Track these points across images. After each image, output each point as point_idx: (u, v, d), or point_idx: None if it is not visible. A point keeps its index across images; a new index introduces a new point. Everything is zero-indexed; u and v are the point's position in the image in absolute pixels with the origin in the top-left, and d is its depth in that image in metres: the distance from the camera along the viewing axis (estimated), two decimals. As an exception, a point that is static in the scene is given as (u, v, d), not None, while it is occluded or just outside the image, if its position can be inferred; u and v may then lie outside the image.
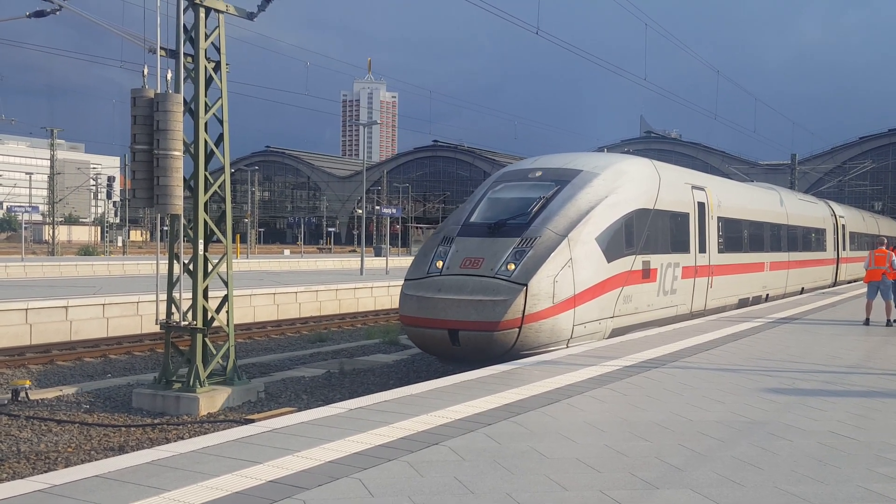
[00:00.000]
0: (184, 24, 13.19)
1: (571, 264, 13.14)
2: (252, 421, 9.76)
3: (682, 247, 17.49)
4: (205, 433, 10.11)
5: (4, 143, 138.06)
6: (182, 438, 9.03)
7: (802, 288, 28.85)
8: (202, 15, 13.34)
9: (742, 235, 21.84)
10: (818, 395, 9.04)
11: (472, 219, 14.69)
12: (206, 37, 13.23)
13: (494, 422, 7.36)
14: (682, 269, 17.31)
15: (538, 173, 15.55)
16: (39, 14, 15.77)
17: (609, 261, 14.12)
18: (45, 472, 7.04)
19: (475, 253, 13.45)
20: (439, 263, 13.60)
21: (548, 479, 5.66)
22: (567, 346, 13.07)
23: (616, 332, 14.54)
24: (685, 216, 17.79)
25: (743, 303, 21.95)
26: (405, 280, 14.02)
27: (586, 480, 5.67)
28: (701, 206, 18.70)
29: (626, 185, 15.47)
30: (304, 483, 5.41)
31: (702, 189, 19.17)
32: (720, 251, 19.80)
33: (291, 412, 9.26)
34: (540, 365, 10.72)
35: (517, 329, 12.42)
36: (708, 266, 18.88)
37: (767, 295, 24.43)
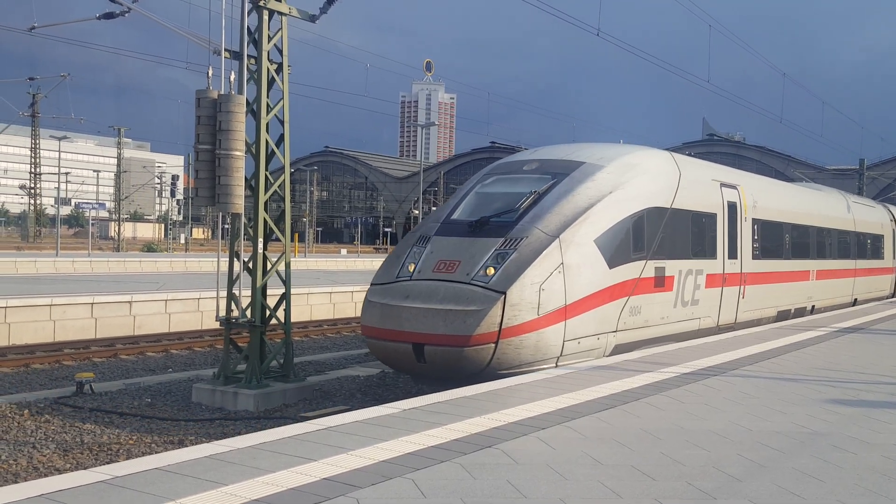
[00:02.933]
0: (248, 27, 13.40)
1: (563, 270, 11.37)
2: (307, 418, 9.85)
3: (708, 252, 15.53)
4: (261, 429, 10.25)
5: (73, 142, 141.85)
6: (239, 434, 9.16)
7: (855, 299, 26.49)
8: (265, 17, 13.54)
9: (782, 240, 19.63)
10: (883, 406, 8.80)
11: (454, 216, 12.89)
12: (269, 39, 13.43)
13: (548, 426, 7.32)
14: (707, 277, 15.28)
15: (534, 165, 13.74)
16: (109, 16, 16.13)
17: (611, 266, 12.27)
18: (107, 463, 7.21)
19: (451, 255, 11.71)
20: (411, 267, 11.93)
21: (602, 486, 5.61)
22: (556, 366, 11.27)
23: (620, 349, 12.62)
24: (711, 217, 15.77)
25: (783, 315, 19.80)
26: (371, 285, 12.32)
27: (641, 488, 5.60)
28: (732, 206, 16.64)
29: (635, 179, 13.51)
30: (357, 482, 5.44)
31: (733, 187, 17.05)
32: (755, 257, 17.74)
33: (346, 411, 9.33)
34: (596, 370, 10.63)
35: (493, 344, 10.69)
36: (739, 274, 16.83)
37: (813, 307, 22.19)
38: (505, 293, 10.79)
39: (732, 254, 16.46)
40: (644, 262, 13.05)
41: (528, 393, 8.83)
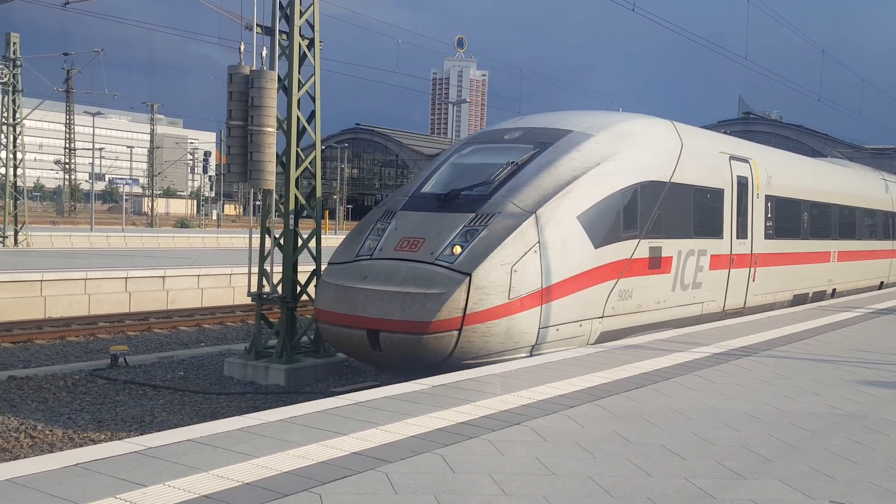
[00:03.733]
0: (279, 2, 13.41)
1: (539, 249, 10.11)
2: (337, 393, 9.93)
3: (713, 230, 14.02)
4: (291, 403, 10.36)
5: (106, 118, 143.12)
6: (270, 408, 9.27)
7: (882, 282, 24.84)
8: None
9: (800, 219, 17.94)
10: (919, 389, 8.69)
11: (424, 188, 11.65)
12: (301, 14, 13.42)
13: (577, 404, 7.31)
14: (711, 258, 13.86)
15: (516, 134, 12.40)
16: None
17: (597, 246, 10.97)
18: (141, 434, 7.30)
19: (416, 232, 10.49)
20: (373, 244, 10.72)
21: (631, 464, 5.61)
22: (531, 355, 10.11)
23: (608, 337, 11.39)
24: (718, 193, 14.26)
25: (800, 300, 18.29)
26: (328, 264, 11.15)
27: (671, 467, 5.59)
28: (742, 181, 15.11)
29: (628, 150, 12.06)
30: (386, 456, 5.49)
31: (745, 161, 15.44)
32: (768, 237, 16.17)
33: (375, 387, 9.38)
34: (627, 349, 10.59)
35: (455, 332, 9.51)
36: (749, 255, 15.30)
37: (834, 290, 20.53)
38: (470, 275, 9.59)
39: (742, 233, 15.05)
40: (637, 241, 11.76)
41: (557, 371, 8.83)
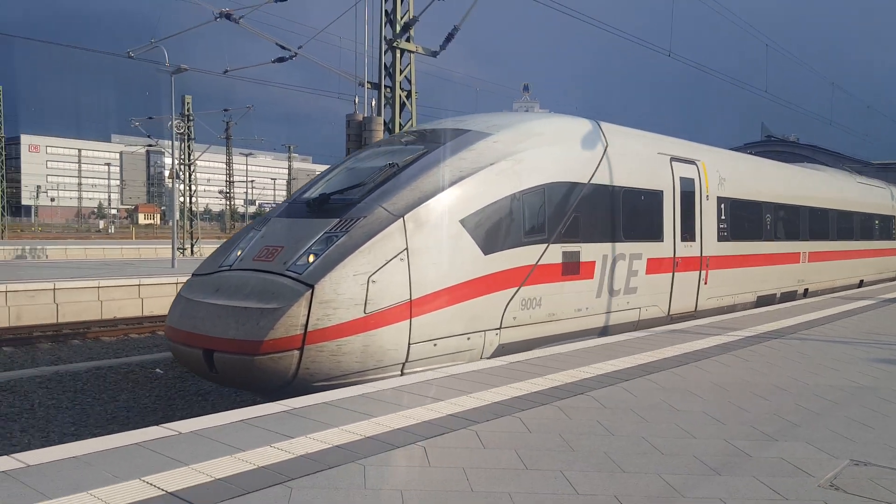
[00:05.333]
0: (384, 63, 13.60)
1: (408, 256, 7.55)
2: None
3: (649, 233, 11.21)
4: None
5: (256, 157, 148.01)
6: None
7: (861, 280, 21.23)
8: (398, 55, 13.72)
9: (761, 221, 14.81)
10: (927, 366, 8.17)
11: (306, 193, 9.10)
12: (401, 72, 13.58)
13: (631, 378, 7.13)
14: (649, 262, 11.06)
15: (414, 136, 9.85)
16: (280, 60, 16.66)
17: (489, 251, 8.29)
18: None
19: (278, 240, 8.02)
20: (238, 253, 8.21)
21: (678, 428, 5.43)
22: (402, 374, 7.51)
23: (510, 349, 8.61)
24: (655, 195, 11.38)
25: (766, 300, 15.13)
26: (192, 275, 8.54)
27: (712, 430, 5.39)
28: (687, 183, 12.22)
29: (533, 150, 9.25)
30: (475, 417, 5.45)
31: (691, 163, 12.48)
32: (722, 239, 13.20)
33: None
34: (670, 333, 10.28)
35: (295, 352, 6.90)
36: (699, 258, 12.42)
37: (806, 290, 17.20)
38: (313, 287, 7.04)
39: (688, 236, 12.16)
40: (544, 245, 9.03)
41: (611, 351, 8.64)
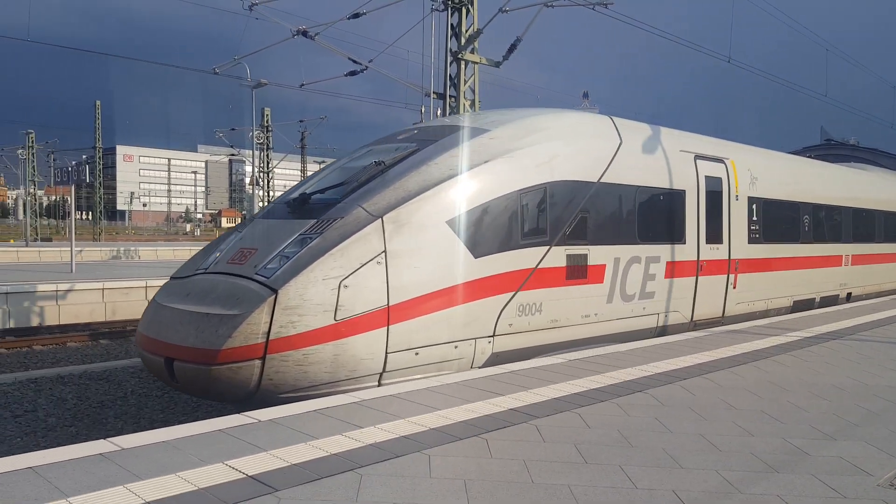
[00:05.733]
0: (449, 74, 13.65)
1: (386, 259, 6.68)
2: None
3: (669, 235, 10.00)
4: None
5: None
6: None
7: None
8: (462, 66, 13.75)
9: (798, 222, 13.40)
10: None
11: (294, 194, 8.21)
12: (465, 82, 13.60)
13: (689, 377, 6.95)
14: (667, 266, 9.88)
15: (411, 133, 8.90)
16: (352, 73, 16.93)
17: (479, 255, 7.37)
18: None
19: (254, 241, 7.31)
20: (217, 255, 7.49)
21: (735, 426, 5.26)
22: (380, 384, 6.67)
23: (505, 358, 7.69)
24: (676, 195, 10.18)
25: (803, 305, 13.68)
26: (170, 278, 7.69)
27: (770, 429, 5.20)
28: (713, 182, 11.01)
29: (533, 146, 8.21)
30: (536, 412, 5.41)
31: (718, 161, 11.25)
32: (753, 241, 11.90)
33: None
34: (728, 333, 9.97)
35: (257, 361, 6.08)
36: (727, 261, 11.21)
37: (849, 294, 15.70)
38: (277, 292, 6.23)
39: (714, 238, 10.94)
40: (546, 248, 8.07)
41: (670, 350, 8.43)
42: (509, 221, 7.71)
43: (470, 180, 7.49)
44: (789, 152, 18.20)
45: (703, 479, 4.14)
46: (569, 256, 8.36)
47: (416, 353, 6.86)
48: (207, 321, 6.24)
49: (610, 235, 8.96)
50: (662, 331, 9.80)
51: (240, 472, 4.02)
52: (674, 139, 10.65)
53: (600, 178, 8.91)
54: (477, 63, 14.16)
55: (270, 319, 6.08)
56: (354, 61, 16.20)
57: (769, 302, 12.56)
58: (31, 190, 53.57)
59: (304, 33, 16.03)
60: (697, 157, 10.81)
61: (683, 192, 10.34)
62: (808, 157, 21.07)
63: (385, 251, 6.69)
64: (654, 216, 9.79)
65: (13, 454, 4.23)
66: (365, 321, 6.49)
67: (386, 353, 6.61)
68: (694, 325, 10.50)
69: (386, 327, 6.59)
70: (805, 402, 6.06)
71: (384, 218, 6.84)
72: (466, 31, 14.18)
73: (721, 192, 11.17)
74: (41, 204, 72.67)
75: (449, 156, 7.70)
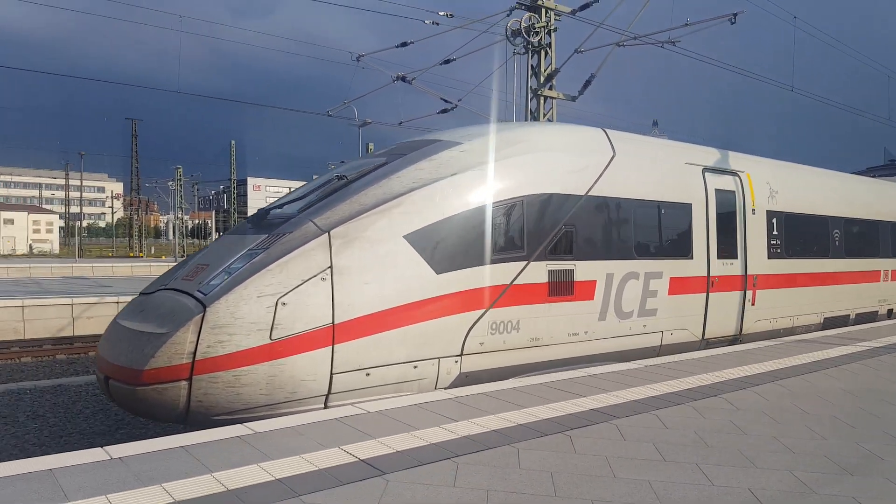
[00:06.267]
0: (530, 109, 13.61)
1: (332, 275, 5.77)
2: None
3: (672, 250, 8.68)
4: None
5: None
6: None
7: None
8: (542, 102, 13.68)
9: (827, 237, 11.64)
10: None
11: (267, 209, 7.13)
12: (544, 115, 13.50)
13: (762, 383, 6.56)
14: (672, 282, 8.53)
15: (392, 147, 7.87)
16: (444, 111, 17.19)
17: (442, 270, 6.32)
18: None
19: (208, 257, 6.51)
20: (181, 270, 6.60)
21: (809, 430, 4.92)
22: (326, 407, 5.72)
23: (479, 378, 6.58)
24: (680, 208, 8.84)
25: (836, 321, 11.77)
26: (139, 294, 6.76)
27: (843, 433, 4.83)
28: (725, 196, 9.53)
29: (508, 159, 7.13)
30: (616, 413, 5.24)
31: (731, 174, 9.78)
32: (774, 256, 10.31)
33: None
34: (797, 343, 9.35)
35: (183, 382, 5.24)
36: (742, 276, 9.63)
37: (890, 310, 13.49)
38: (205, 309, 5.40)
39: (727, 252, 9.49)
40: (522, 263, 6.93)
41: (741, 358, 8.00)
42: (478, 236, 6.62)
43: (433, 194, 6.49)
44: (853, 172, 16.56)
45: (779, 479, 3.89)
46: (551, 272, 7.15)
47: (368, 374, 5.85)
48: (138, 340, 5.49)
49: (601, 250, 7.75)
50: (669, 349, 8.48)
51: (353, 455, 4.10)
52: (679, 152, 9.32)
53: (588, 192, 7.69)
54: (555, 98, 14.08)
55: (197, 339, 5.24)
56: (445, 101, 16.45)
57: (795, 319, 10.83)
58: (179, 215, 57.18)
59: (403, 78, 16.43)
60: (706, 170, 9.42)
61: (689, 205, 8.97)
62: (873, 176, 19.09)
63: (331, 267, 5.78)
64: (655, 231, 8.51)
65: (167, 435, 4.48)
66: (306, 340, 5.56)
67: (331, 373, 5.65)
68: (706, 343, 9.09)
69: (331, 347, 5.64)
70: (877, 408, 5.59)
71: (332, 232, 5.93)
72: (545, 71, 14.15)
73: (734, 205, 9.72)
74: (187, 226, 77.55)
75: (414, 169, 6.70)
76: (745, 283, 9.70)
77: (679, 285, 8.70)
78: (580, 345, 7.44)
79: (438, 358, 6.29)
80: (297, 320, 5.52)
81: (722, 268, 9.39)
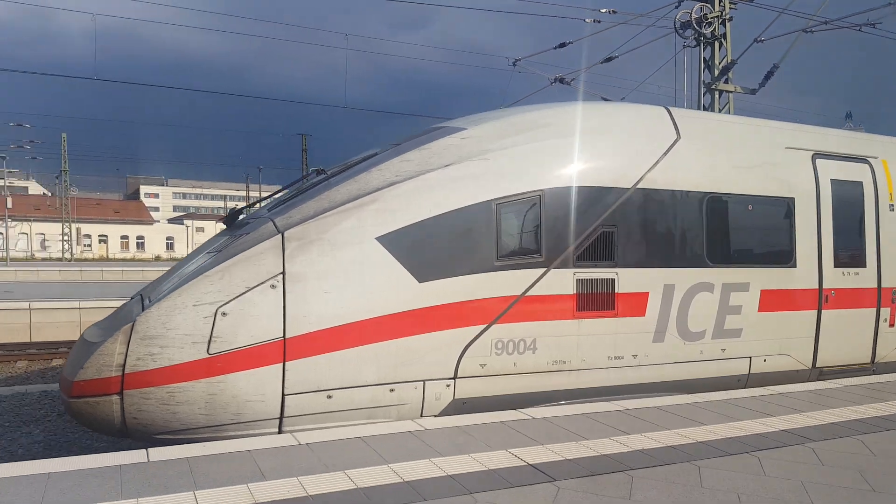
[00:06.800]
0: (703, 105, 12.80)
1: (284, 282, 4.99)
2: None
3: (764, 256, 6.88)
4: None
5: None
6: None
7: None
8: (716, 96, 12.81)
9: None
10: None
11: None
12: (720, 110, 12.62)
13: None
14: (764, 295, 6.75)
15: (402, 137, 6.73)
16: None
17: (427, 278, 5.33)
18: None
19: (185, 261, 6.10)
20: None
21: None
22: (280, 432, 4.98)
23: (481, 405, 5.52)
24: (777, 204, 6.99)
25: None
26: None
27: None
28: (847, 188, 7.53)
29: (524, 145, 5.92)
30: (810, 435, 4.70)
31: (858, 161, 7.70)
32: None
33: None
34: None
35: (115, 396, 4.70)
36: (875, 290, 7.58)
37: None
38: (135, 319, 4.84)
39: (851, 260, 7.49)
40: (540, 270, 5.73)
41: (972, 383, 6.80)
42: (475, 238, 5.54)
43: (418, 188, 5.48)
44: None
45: None
46: (582, 282, 5.87)
47: (330, 397, 5.03)
48: (80, 350, 5.09)
49: (656, 256, 6.23)
50: (762, 379, 6.80)
51: (521, 459, 4.10)
52: (776, 134, 7.37)
53: (638, 183, 6.18)
54: (731, 92, 13.11)
55: (126, 350, 4.73)
56: (606, 100, 16.01)
57: None
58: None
59: (561, 80, 16.28)
60: (818, 156, 7.44)
61: (790, 200, 7.09)
62: None
63: (283, 273, 5.00)
64: (737, 232, 6.77)
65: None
66: (249, 355, 4.85)
67: (283, 394, 4.90)
68: (819, 373, 7.23)
69: (281, 364, 4.90)
70: None
71: (286, 234, 5.13)
72: (720, 63, 13.22)
73: (861, 200, 7.69)
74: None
75: (399, 160, 5.70)
76: (878, 298, 7.63)
77: (775, 300, 6.87)
78: (627, 371, 6.05)
79: (423, 381, 5.31)
80: (240, 333, 4.81)
81: (841, 279, 7.43)
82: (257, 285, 4.89)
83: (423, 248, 5.33)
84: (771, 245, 7.01)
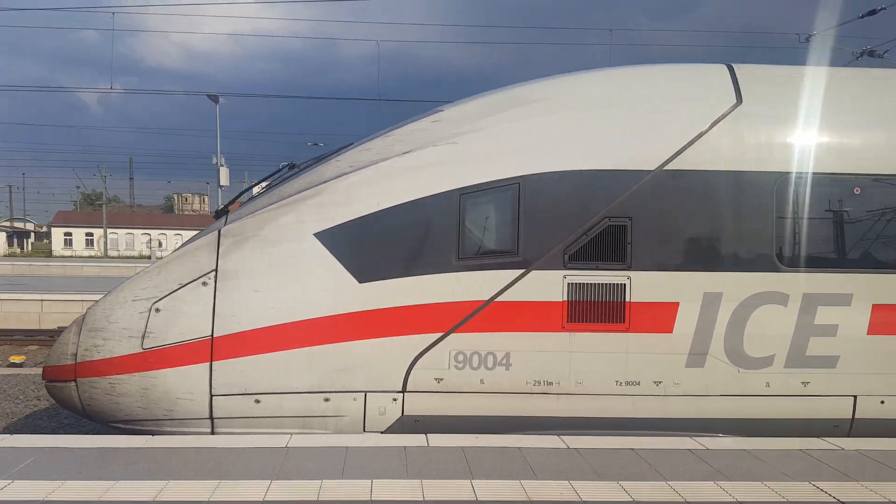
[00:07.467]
0: None
1: (216, 280, 4.75)
2: None
3: (873, 258, 4.45)
4: None
5: None
6: None
7: None
8: None
9: None
10: None
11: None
12: None
13: None
14: (874, 313, 4.42)
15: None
16: None
17: (369, 278, 4.66)
18: None
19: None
20: None
21: None
22: (213, 433, 4.76)
23: (439, 425, 4.70)
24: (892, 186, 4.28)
25: None
26: None
27: None
28: None
29: (501, 125, 4.83)
30: None
31: None
32: None
33: None
34: None
35: (72, 383, 4.87)
36: None
37: None
38: (86, 311, 5.04)
39: None
40: (516, 271, 4.74)
41: None
42: (431, 234, 4.85)
43: (367, 179, 4.95)
44: None
45: None
46: (575, 287, 4.81)
47: (257, 401, 4.80)
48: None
49: (691, 256, 4.85)
50: (874, 426, 4.90)
51: (829, 494, 3.61)
52: (864, 81, 5.23)
53: (666, 164, 4.86)
54: None
55: (78, 340, 4.97)
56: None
57: None
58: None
59: (871, 53, 14.03)
60: None
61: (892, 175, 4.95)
62: None
63: (216, 270, 4.86)
64: (830, 224, 4.98)
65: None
66: (178, 353, 4.84)
67: (210, 394, 4.81)
68: None
69: (208, 363, 4.81)
70: None
71: (223, 230, 4.99)
72: None
73: None
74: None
75: (360, 150, 5.18)
76: None
77: (892, 319, 4.89)
78: (646, 400, 4.84)
79: (364, 391, 4.83)
80: (171, 329, 4.82)
81: None
82: (190, 282, 4.86)
83: (366, 246, 4.86)
84: (886, 243, 5.04)
